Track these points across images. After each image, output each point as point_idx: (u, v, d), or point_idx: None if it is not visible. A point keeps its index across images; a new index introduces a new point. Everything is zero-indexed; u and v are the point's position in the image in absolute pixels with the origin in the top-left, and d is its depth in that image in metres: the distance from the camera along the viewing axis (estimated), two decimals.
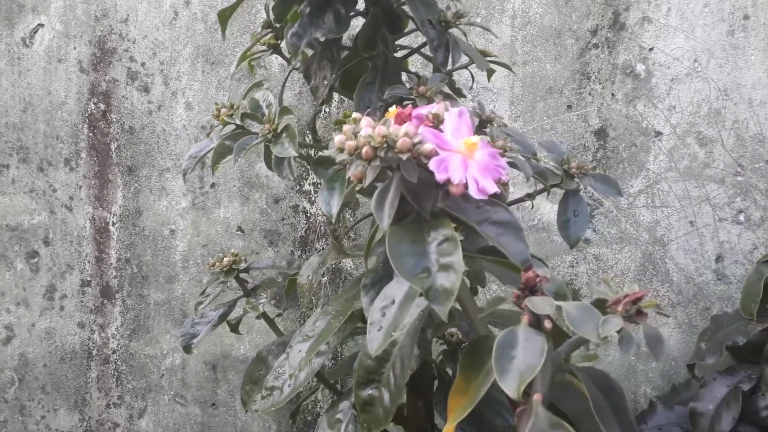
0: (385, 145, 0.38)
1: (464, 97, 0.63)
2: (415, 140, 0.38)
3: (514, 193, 0.98)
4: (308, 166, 0.96)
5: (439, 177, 0.38)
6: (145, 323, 1.12)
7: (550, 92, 1.01)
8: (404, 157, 0.37)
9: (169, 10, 1.07)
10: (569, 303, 0.36)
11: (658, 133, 1.00)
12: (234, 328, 0.75)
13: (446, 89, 0.63)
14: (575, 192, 0.55)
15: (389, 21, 0.52)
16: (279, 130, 0.50)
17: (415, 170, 0.39)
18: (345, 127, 0.42)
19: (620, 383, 0.40)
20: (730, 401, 0.88)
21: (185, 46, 1.07)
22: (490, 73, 0.62)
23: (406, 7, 0.54)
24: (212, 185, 1.09)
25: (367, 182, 0.42)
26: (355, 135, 0.41)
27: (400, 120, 0.41)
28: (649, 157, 1.00)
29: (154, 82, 1.08)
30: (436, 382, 0.64)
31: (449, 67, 0.57)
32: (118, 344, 1.12)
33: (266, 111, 0.52)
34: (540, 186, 0.58)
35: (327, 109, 1.04)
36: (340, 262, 1.00)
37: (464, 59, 0.58)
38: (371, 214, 0.65)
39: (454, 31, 0.57)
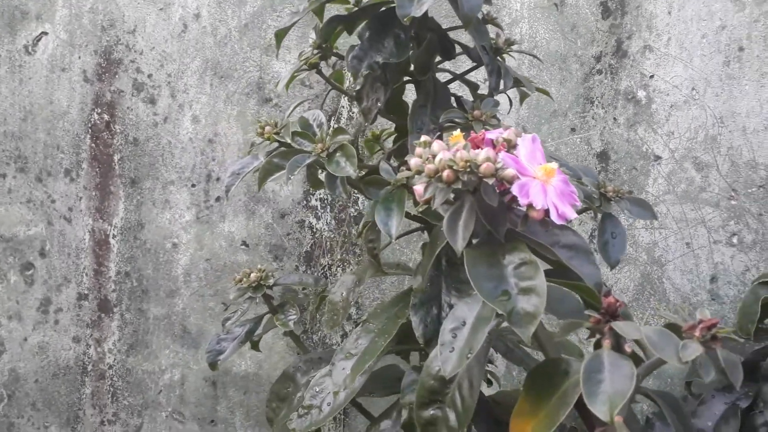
0: (468, 170, 0.39)
1: (498, 120, 0.64)
2: (498, 165, 0.39)
3: None
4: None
5: (522, 201, 0.39)
6: (144, 338, 1.09)
7: (554, 115, 1.04)
8: (490, 181, 0.38)
9: (178, 22, 1.06)
10: (648, 328, 0.37)
11: (658, 158, 1.03)
12: (255, 345, 0.75)
13: None
14: (611, 215, 0.57)
15: (443, 47, 0.54)
16: (332, 150, 0.51)
17: (496, 194, 0.39)
18: (418, 150, 0.43)
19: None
20: (729, 418, 0.91)
21: (194, 59, 1.06)
22: (524, 97, 0.64)
23: (451, 34, 0.55)
24: (217, 199, 1.08)
25: (436, 204, 0.43)
26: (431, 158, 0.41)
27: (474, 145, 0.42)
28: (648, 180, 1.04)
29: (160, 94, 1.07)
30: None
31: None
32: (115, 359, 1.10)
33: (317, 130, 0.53)
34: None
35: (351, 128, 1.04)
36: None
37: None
38: (412, 231, 0.66)
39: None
